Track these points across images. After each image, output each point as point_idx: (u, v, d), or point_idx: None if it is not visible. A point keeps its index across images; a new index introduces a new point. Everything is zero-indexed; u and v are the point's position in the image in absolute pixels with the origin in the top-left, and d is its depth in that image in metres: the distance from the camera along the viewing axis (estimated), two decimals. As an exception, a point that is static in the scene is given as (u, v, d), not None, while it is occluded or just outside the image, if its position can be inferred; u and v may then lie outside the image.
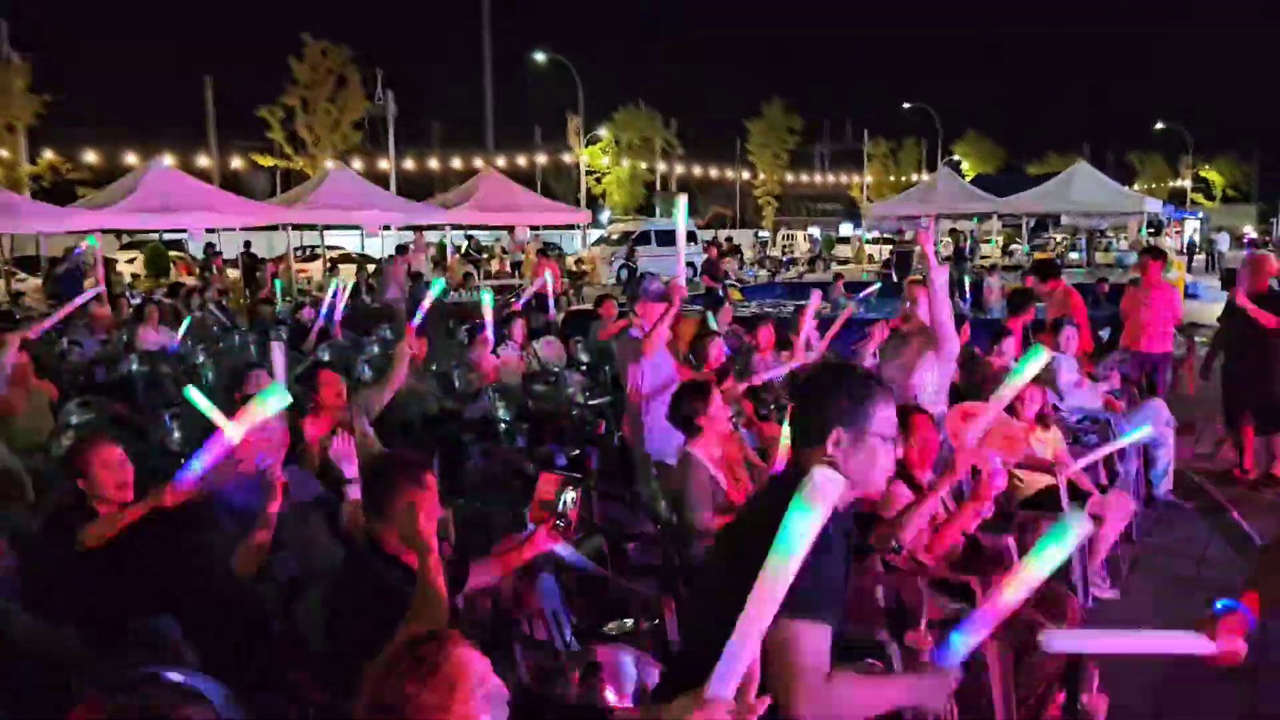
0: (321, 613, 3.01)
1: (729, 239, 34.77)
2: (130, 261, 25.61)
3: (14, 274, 20.60)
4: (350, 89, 29.56)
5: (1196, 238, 37.40)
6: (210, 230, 17.50)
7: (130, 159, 25.91)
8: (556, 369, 8.23)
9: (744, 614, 1.63)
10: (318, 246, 25.16)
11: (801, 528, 1.55)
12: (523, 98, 50.10)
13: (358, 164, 28.04)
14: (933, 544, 3.77)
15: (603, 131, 41.62)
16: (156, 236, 24.15)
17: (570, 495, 3.25)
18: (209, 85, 35.84)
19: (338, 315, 10.25)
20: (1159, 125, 57.63)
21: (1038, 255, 23.42)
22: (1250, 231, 34.40)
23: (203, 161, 32.06)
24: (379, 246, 29.17)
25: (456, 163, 33.91)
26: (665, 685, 2.36)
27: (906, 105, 54.71)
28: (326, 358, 9.25)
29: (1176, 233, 35.70)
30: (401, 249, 18.11)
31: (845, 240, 43.72)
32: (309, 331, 10.39)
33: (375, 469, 2.96)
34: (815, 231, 48.81)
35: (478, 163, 33.14)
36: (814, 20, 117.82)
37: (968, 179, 31.33)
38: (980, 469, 3.65)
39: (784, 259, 37.50)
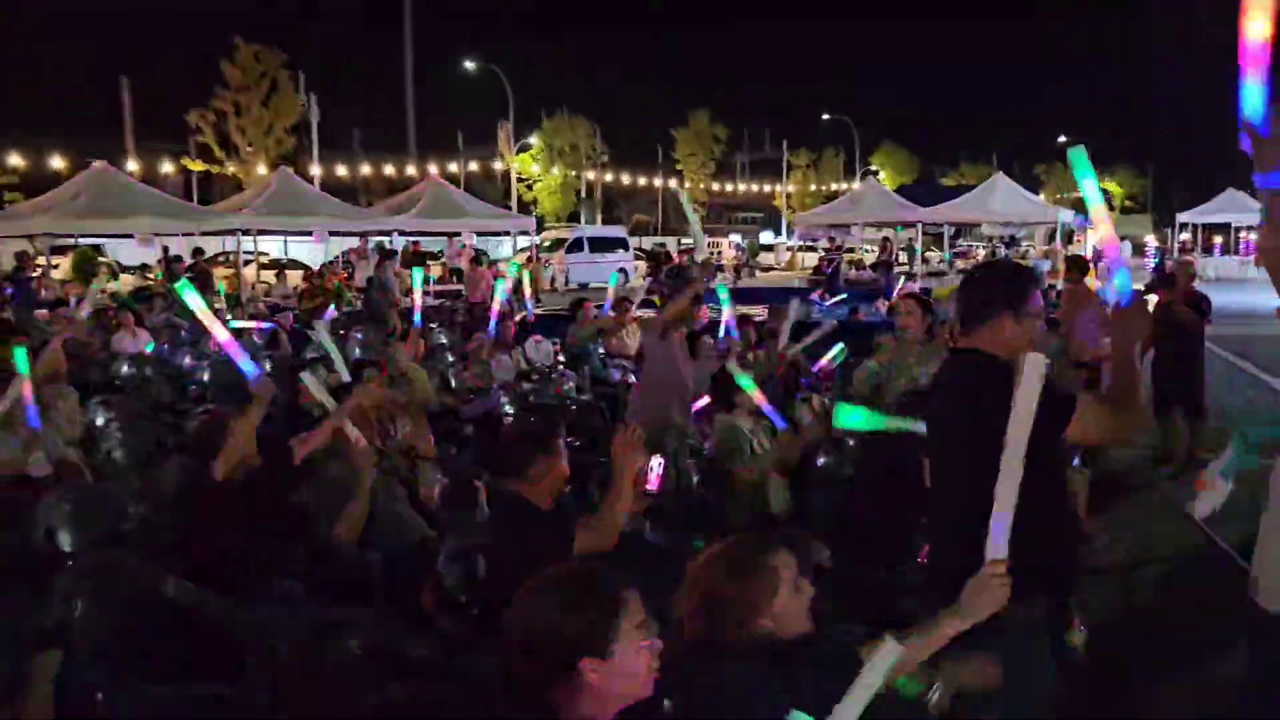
0: (454, 567, 3.49)
1: (662, 245, 35.46)
2: (55, 267, 25.10)
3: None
4: (283, 93, 29.38)
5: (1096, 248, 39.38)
6: (159, 235, 17.41)
7: (56, 163, 25.41)
8: (547, 367, 8.68)
9: (1000, 479, 2.14)
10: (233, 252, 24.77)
11: (1028, 400, 2.11)
12: (444, 105, 50.06)
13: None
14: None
15: (534, 139, 41.95)
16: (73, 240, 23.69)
17: (656, 460, 3.76)
18: (126, 88, 35.16)
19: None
20: (1061, 139, 60.44)
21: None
22: (1151, 240, 36.46)
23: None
24: (302, 253, 29.06)
25: (388, 169, 33.80)
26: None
27: (825, 116, 56.32)
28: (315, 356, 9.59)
29: (1078, 241, 37.48)
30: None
31: (769, 248, 44.83)
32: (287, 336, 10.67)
33: (515, 439, 3.48)
34: (737, 239, 49.87)
35: (410, 170, 33.24)
36: (732, 30, 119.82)
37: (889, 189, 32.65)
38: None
39: (714, 266, 38.27)
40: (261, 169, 29.68)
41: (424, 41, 44.93)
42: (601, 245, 32.69)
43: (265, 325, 11.00)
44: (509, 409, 7.32)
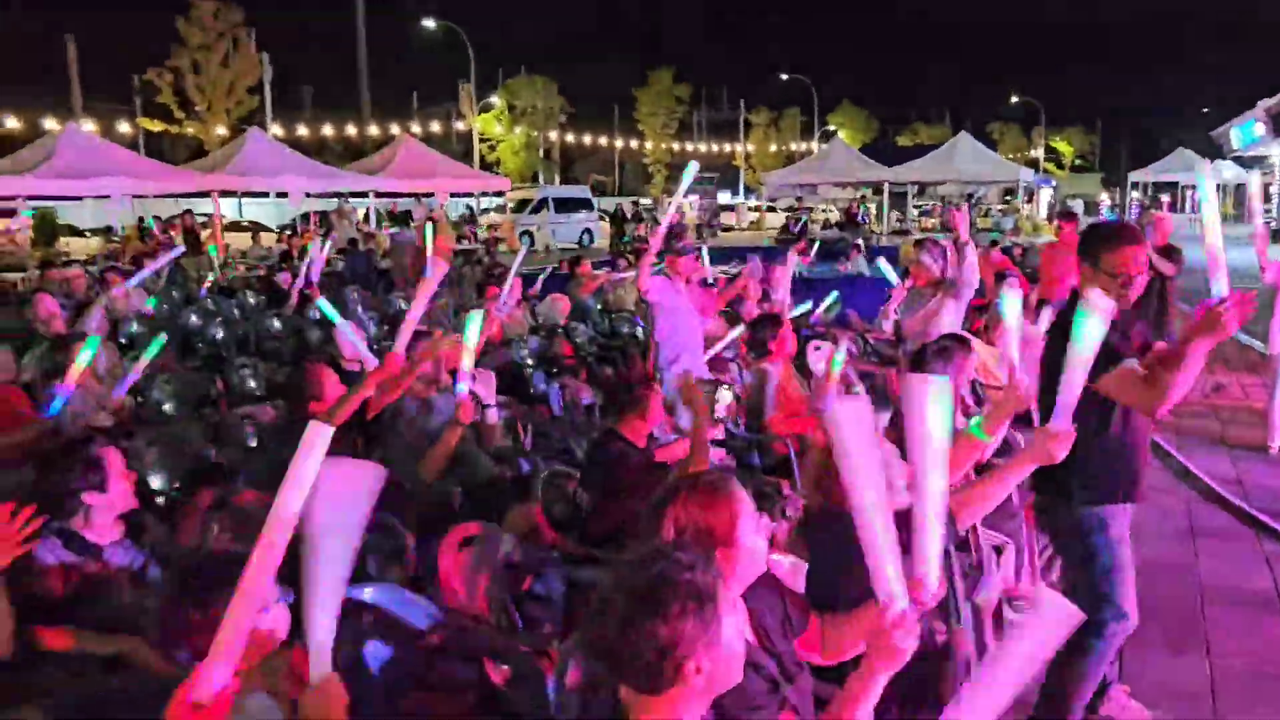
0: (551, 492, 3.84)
1: (635, 203, 35.60)
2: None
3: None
4: (243, 52, 28.91)
5: (1051, 204, 40.34)
6: (137, 197, 17.27)
7: (11, 123, 24.87)
8: (558, 322, 8.96)
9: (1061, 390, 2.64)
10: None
11: (1090, 330, 2.52)
12: (395, 64, 49.38)
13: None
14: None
15: (495, 99, 41.71)
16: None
17: (725, 394, 4.10)
18: (71, 45, 34.28)
19: (315, 277, 10.67)
20: (1014, 99, 61.33)
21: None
22: (1105, 199, 37.39)
23: (51, 125, 30.86)
24: (258, 215, 28.82)
25: (350, 129, 33.51)
26: None
27: (784, 76, 56.52)
28: (318, 316, 9.78)
29: (1027, 202, 38.29)
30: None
31: (729, 208, 45.16)
32: (287, 295, 10.80)
33: (626, 380, 3.86)
34: (695, 199, 50.13)
35: (372, 130, 32.91)
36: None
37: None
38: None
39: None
40: (220, 129, 29.28)
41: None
42: (566, 205, 32.86)
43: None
44: (529, 361, 7.64)
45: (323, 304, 5.48)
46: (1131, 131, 74.41)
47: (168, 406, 6.14)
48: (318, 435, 1.85)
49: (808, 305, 8.90)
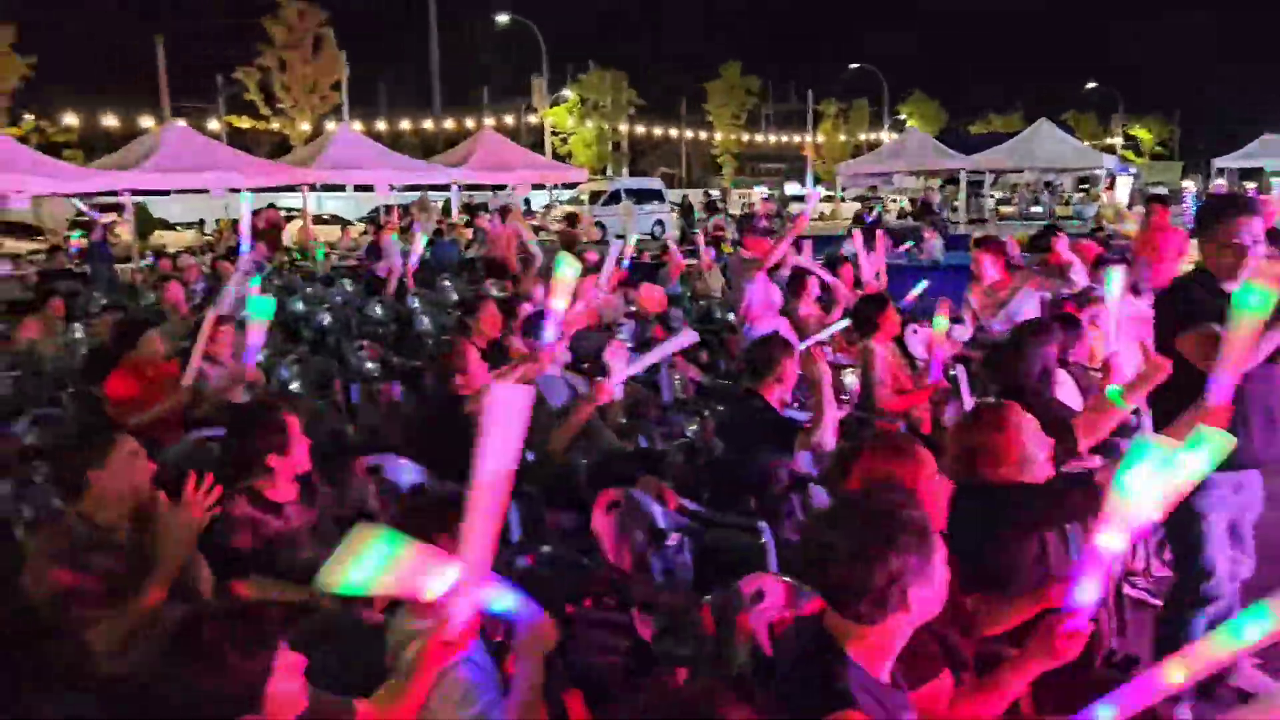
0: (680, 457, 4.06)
1: (707, 193, 35.69)
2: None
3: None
4: (325, 49, 29.69)
5: (1133, 192, 39.34)
6: (234, 190, 17.90)
7: (110, 121, 25.86)
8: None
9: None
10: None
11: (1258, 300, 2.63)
12: (465, 60, 50.08)
13: (330, 125, 28.29)
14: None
15: (568, 92, 42.14)
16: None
17: (850, 377, 4.28)
18: (160, 45, 35.47)
19: (414, 266, 11.04)
20: (1091, 85, 60.02)
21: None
22: (1190, 185, 36.39)
23: (147, 122, 31.94)
24: (335, 208, 29.53)
25: (426, 124, 34.16)
26: None
27: (853, 66, 55.98)
28: (417, 305, 10.16)
29: (1107, 189, 37.42)
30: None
31: (798, 199, 44.93)
32: (384, 283, 11.19)
33: (770, 345, 4.11)
34: (763, 190, 49.99)
35: (448, 124, 33.52)
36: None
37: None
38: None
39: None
40: (304, 125, 30.11)
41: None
42: (638, 197, 33.09)
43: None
44: (630, 345, 7.86)
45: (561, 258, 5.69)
46: (1210, 119, 72.15)
47: (295, 385, 6.49)
48: (516, 397, 1.99)
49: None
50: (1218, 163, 34.87)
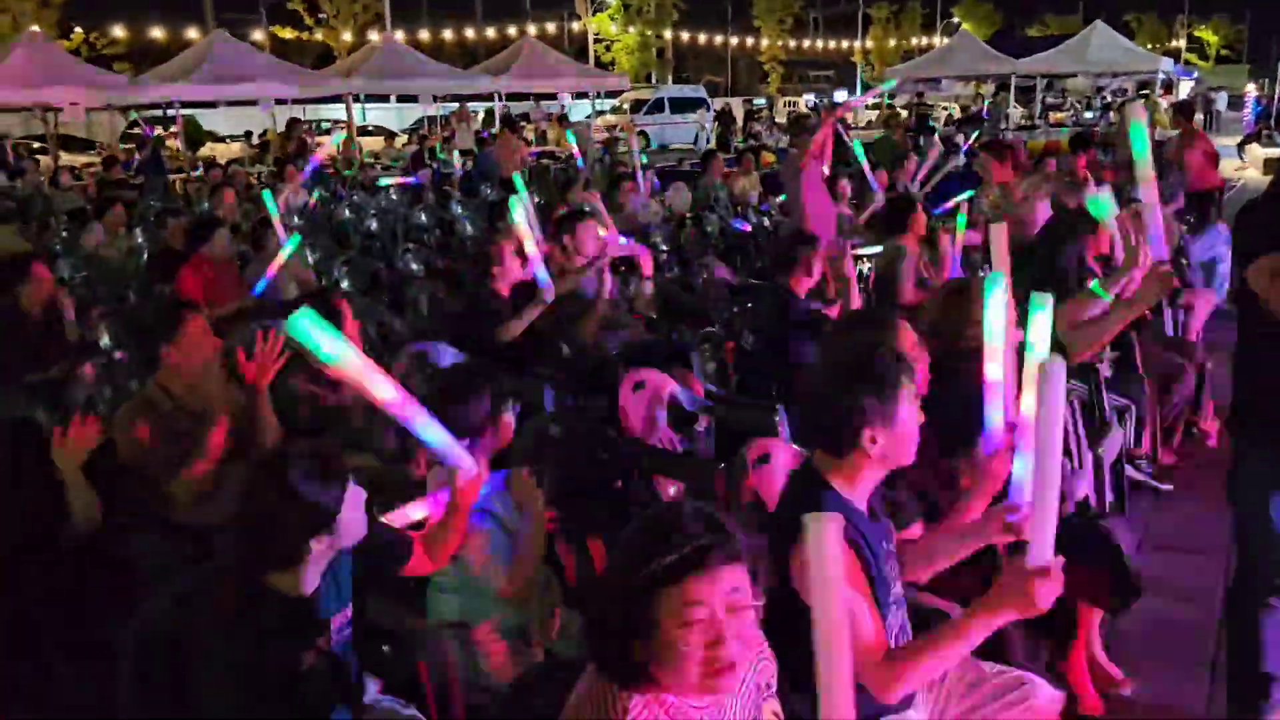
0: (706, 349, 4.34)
1: (745, 103, 35.15)
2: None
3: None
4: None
5: (1191, 97, 37.96)
6: (279, 101, 18.19)
7: (156, 33, 26.06)
8: (685, 211, 9.37)
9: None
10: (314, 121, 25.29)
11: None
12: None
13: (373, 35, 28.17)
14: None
15: (611, -1, 41.45)
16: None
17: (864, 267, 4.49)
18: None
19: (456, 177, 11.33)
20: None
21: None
22: (1252, 89, 35.05)
23: (193, 34, 32.05)
24: (379, 119, 29.59)
25: (468, 32, 33.92)
26: None
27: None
28: (459, 211, 10.46)
29: (1164, 94, 36.15)
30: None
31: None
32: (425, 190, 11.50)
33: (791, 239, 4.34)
34: (811, 98, 49.02)
35: (489, 32, 33.21)
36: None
37: (976, 41, 31.69)
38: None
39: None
40: (346, 35, 30.09)
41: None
42: (681, 106, 32.76)
43: (411, 180, 11.76)
44: (664, 248, 8.09)
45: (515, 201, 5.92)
46: (1282, 19, 68.87)
47: (345, 284, 6.83)
48: None
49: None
50: (1285, 65, 33.54)
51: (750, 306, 5.67)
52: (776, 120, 39.12)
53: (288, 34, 31.02)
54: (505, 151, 12.62)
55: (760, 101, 47.77)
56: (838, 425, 2.08)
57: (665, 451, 3.81)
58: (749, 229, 8.93)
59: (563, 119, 21.19)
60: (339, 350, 2.03)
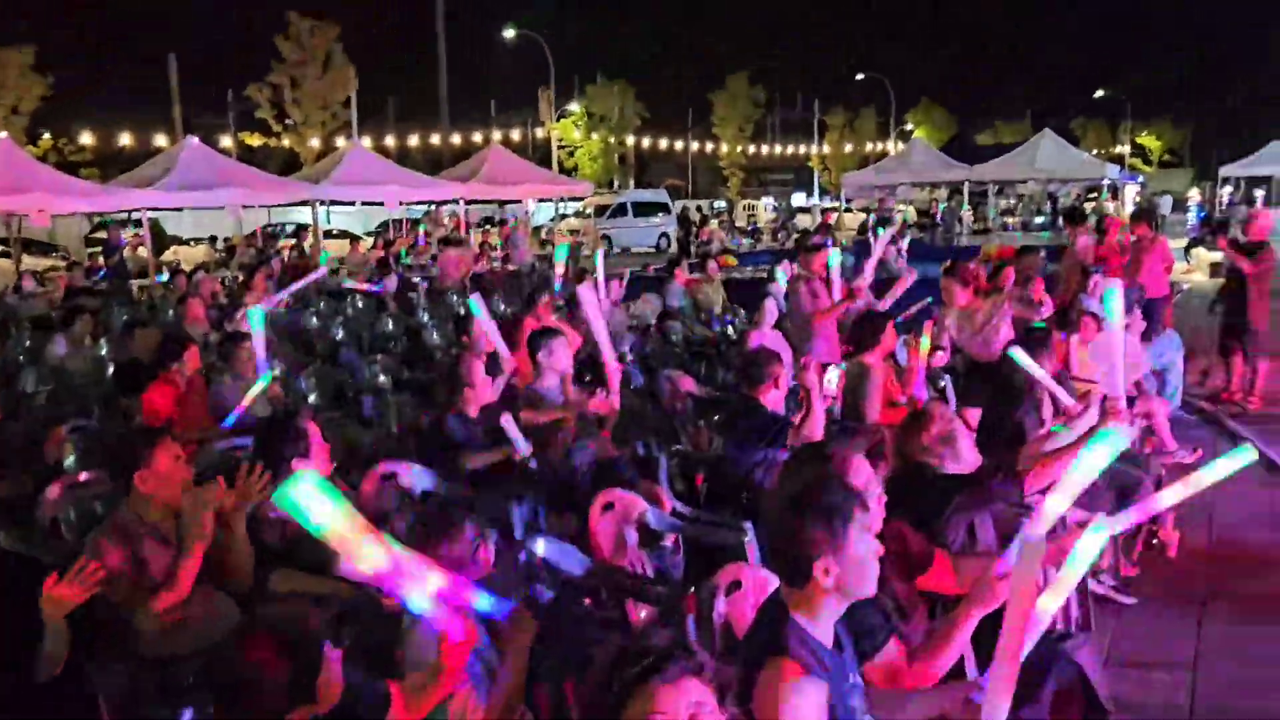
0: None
1: (699, 208, 35.97)
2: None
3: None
4: (336, 67, 30.16)
5: (1137, 201, 39.45)
6: (246, 206, 18.36)
7: (124, 139, 26.32)
8: (650, 322, 9.51)
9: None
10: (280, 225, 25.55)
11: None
12: (473, 73, 50.48)
13: (339, 141, 28.65)
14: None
15: (575, 105, 42.56)
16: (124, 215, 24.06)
17: (834, 373, 4.62)
18: (173, 64, 35.99)
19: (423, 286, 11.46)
20: (1099, 93, 60.24)
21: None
22: (1195, 194, 36.52)
23: (160, 140, 32.38)
24: (342, 223, 29.95)
25: (434, 139, 34.59)
26: None
27: (860, 76, 56.33)
28: (426, 319, 10.54)
29: (1111, 199, 37.54)
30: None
31: (805, 210, 45.29)
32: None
33: (762, 355, 4.46)
34: (770, 201, 50.30)
35: (455, 139, 33.90)
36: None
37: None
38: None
39: (749, 228, 38.96)
40: (314, 142, 30.57)
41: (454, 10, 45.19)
42: (644, 210, 33.47)
43: (374, 287, 11.86)
44: (630, 357, 8.19)
45: (473, 302, 5.96)
46: (1223, 126, 72.07)
47: (312, 397, 6.84)
48: None
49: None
50: (1224, 171, 34.85)
51: (717, 419, 5.75)
52: (736, 224, 40.08)
53: (255, 140, 31.46)
54: (450, 265, 12.94)
55: (721, 204, 48.96)
56: (792, 557, 2.14)
57: (635, 575, 3.82)
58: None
59: (537, 229, 21.63)
60: (329, 519, 2.01)
